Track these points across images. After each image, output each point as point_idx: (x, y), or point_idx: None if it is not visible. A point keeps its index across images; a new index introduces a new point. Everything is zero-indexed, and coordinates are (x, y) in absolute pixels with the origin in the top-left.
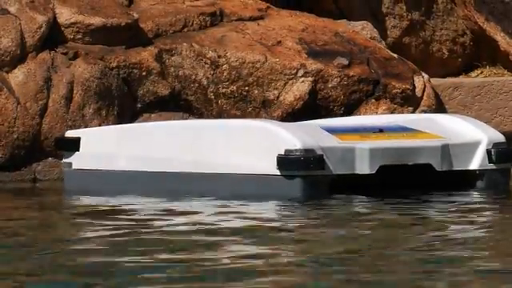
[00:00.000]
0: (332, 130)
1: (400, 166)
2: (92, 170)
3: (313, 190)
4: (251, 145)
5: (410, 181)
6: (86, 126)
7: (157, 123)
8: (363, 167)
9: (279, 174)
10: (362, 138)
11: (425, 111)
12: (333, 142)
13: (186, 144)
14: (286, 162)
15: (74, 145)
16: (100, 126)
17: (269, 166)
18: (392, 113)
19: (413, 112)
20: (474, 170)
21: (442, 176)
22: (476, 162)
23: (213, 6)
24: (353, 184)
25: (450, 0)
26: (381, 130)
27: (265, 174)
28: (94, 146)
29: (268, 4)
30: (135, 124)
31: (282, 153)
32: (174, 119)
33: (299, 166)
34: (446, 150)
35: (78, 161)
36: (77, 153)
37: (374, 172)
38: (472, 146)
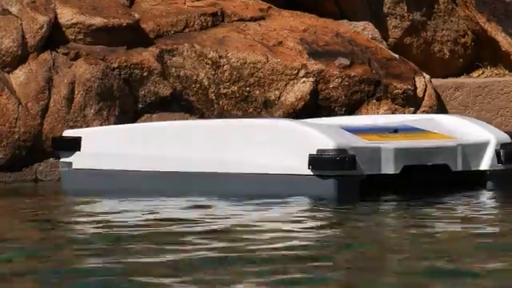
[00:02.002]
0: (351, 130)
1: (417, 166)
2: (96, 170)
3: (345, 190)
4: (279, 144)
5: (425, 181)
6: (87, 127)
7: (174, 122)
8: (389, 167)
9: (311, 173)
10: (382, 138)
11: (426, 111)
12: (361, 142)
13: (209, 143)
14: (319, 161)
15: (74, 144)
16: (101, 126)
17: (299, 166)
18: (393, 113)
19: (414, 112)
20: (485, 171)
21: (456, 176)
22: (486, 163)
23: (214, 6)
24: (376, 184)
25: (451, 0)
26: (395, 131)
27: (295, 173)
28: (98, 146)
29: (269, 4)
30: (146, 123)
31: (314, 152)
32: (175, 119)
33: (333, 165)
34: (460, 151)
35: (79, 160)
36: (77, 152)
37: (398, 172)
38: (482, 147)
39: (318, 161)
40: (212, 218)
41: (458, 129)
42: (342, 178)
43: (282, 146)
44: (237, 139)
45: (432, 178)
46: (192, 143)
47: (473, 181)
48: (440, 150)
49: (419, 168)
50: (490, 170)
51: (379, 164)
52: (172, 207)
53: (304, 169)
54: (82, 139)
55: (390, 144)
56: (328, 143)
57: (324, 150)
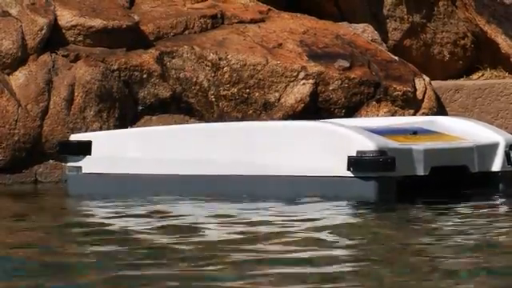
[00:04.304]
0: (375, 132)
1: (443, 167)
2: (109, 174)
3: (385, 191)
4: (316, 146)
5: (447, 182)
6: (87, 129)
7: (198, 125)
8: (419, 169)
9: (351, 175)
10: (408, 139)
11: (426, 113)
12: (394, 143)
13: (243, 146)
14: (360, 163)
15: (84, 148)
16: (101, 128)
17: (337, 167)
18: (393, 115)
19: (414, 114)
20: (497, 172)
21: (472, 178)
22: (498, 164)
23: (214, 8)
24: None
25: (451, 2)
26: (415, 133)
27: (332, 175)
28: (111, 150)
29: (269, 6)
30: (163, 127)
31: (354, 154)
32: (175, 122)
33: (375, 167)
34: (476, 152)
35: (89, 165)
36: (88, 156)
37: (427, 174)
38: (493, 148)
39: (358, 162)
40: (247, 221)
41: (465, 130)
42: (383, 179)
43: (319, 147)
44: (272, 141)
45: (452, 179)
46: (222, 146)
47: (486, 182)
48: (461, 151)
49: (442, 169)
50: (501, 172)
51: (412, 165)
52: (206, 210)
53: (342, 170)
54: (93, 143)
55: (419, 146)
56: (368, 145)
57: (364, 152)
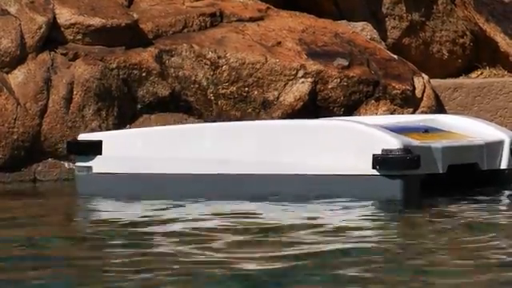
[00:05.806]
0: (389, 129)
1: (457, 165)
2: (121, 174)
3: (410, 189)
4: (339, 145)
5: (453, 181)
6: (85, 127)
7: (207, 124)
8: (438, 167)
9: (376, 173)
10: (423, 137)
11: (425, 112)
12: (415, 141)
13: (266, 145)
14: (386, 161)
15: (94, 148)
16: (100, 127)
17: (361, 166)
18: (392, 114)
19: (413, 113)
20: (504, 170)
21: (482, 175)
22: (504, 162)
23: (213, 6)
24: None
25: (450, 1)
26: (426, 131)
27: (356, 174)
28: (122, 149)
29: (268, 5)
30: (176, 126)
31: (379, 152)
32: (174, 120)
33: (401, 165)
34: (485, 150)
35: (100, 164)
36: (98, 156)
37: (445, 172)
38: (498, 146)
39: (385, 160)
40: (271, 219)
41: (469, 128)
42: (408, 177)
43: (343, 146)
44: (295, 140)
45: (464, 177)
46: (242, 144)
47: (494, 179)
48: (473, 149)
49: (456, 167)
50: (507, 169)
51: (433, 163)
52: (228, 209)
53: (366, 169)
54: (104, 143)
55: (437, 144)
56: (394, 143)
57: (390, 150)
